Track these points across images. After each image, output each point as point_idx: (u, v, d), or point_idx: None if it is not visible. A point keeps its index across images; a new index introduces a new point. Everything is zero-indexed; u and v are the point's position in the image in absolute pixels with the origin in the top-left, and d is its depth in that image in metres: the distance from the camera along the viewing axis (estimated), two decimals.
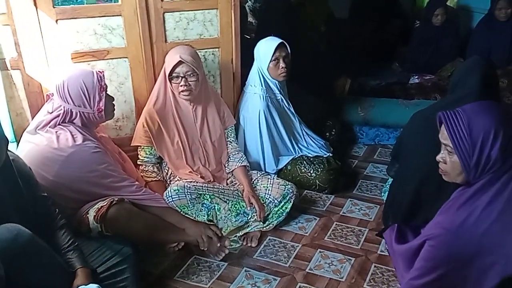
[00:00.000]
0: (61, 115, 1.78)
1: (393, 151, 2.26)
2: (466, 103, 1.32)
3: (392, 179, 2.26)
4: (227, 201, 2.08)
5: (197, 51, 2.26)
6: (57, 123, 1.78)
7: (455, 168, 1.32)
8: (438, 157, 1.38)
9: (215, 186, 2.12)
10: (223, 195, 2.09)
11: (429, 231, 1.42)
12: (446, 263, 1.34)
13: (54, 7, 1.97)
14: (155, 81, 2.21)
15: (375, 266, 1.91)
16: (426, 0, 4.67)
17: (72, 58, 2.08)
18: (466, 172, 1.29)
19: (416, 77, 3.80)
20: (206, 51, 2.37)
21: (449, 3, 4.47)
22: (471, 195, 1.31)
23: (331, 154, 2.58)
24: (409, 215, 1.92)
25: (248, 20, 6.36)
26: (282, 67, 2.39)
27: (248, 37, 5.14)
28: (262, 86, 2.43)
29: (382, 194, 2.45)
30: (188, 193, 1.98)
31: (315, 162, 2.47)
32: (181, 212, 1.96)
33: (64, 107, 1.79)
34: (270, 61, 2.37)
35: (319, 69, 4.23)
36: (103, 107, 1.84)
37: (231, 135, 2.36)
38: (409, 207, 1.93)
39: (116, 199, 1.72)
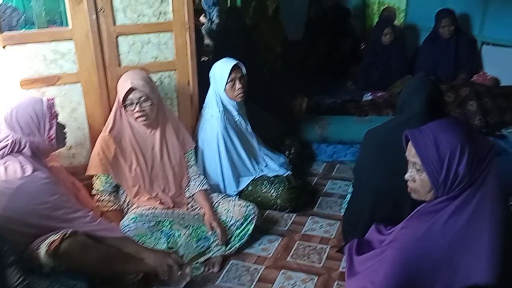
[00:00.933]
0: (9, 146, 1.70)
1: (355, 169, 2.30)
2: (413, 124, 1.37)
3: (349, 196, 2.31)
4: (188, 227, 2.04)
5: (152, 74, 2.25)
6: (5, 154, 1.70)
7: (425, 185, 1.35)
8: (407, 176, 1.40)
9: (175, 212, 2.08)
10: (183, 220, 2.05)
11: (395, 237, 1.44)
12: (408, 270, 1.34)
13: (1, 33, 1.90)
14: (110, 106, 2.16)
15: (337, 284, 1.93)
16: (375, 20, 4.90)
17: (21, 85, 2.00)
18: (435, 189, 1.32)
19: (369, 94, 3.94)
20: (162, 74, 2.35)
21: (397, 22, 4.70)
22: (436, 204, 1.34)
23: (291, 173, 2.61)
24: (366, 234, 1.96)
25: (205, 42, 6.42)
26: (239, 88, 2.41)
27: (206, 58, 5.18)
28: (219, 107, 2.43)
29: (342, 210, 2.49)
30: (146, 221, 1.93)
31: (275, 182, 2.49)
32: (140, 241, 1.90)
33: (12, 136, 1.71)
34: (227, 83, 2.39)
35: (276, 89, 4.32)
36: (54, 136, 1.77)
37: (191, 158, 2.33)
38: (366, 226, 1.96)
39: (69, 232, 1.64)
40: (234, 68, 2.39)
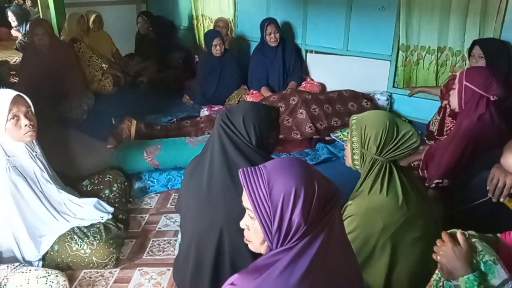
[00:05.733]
0: None
1: (176, 204, 2.01)
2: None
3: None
4: None
5: None
6: None
7: (258, 235, 1.13)
8: (242, 224, 1.18)
9: None
10: None
11: None
12: None
13: None
14: None
15: None
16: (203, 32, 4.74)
17: None
18: (268, 240, 1.09)
19: (206, 109, 3.74)
20: None
21: (229, 32, 4.61)
22: (270, 257, 1.10)
23: (110, 216, 2.19)
24: (193, 280, 1.69)
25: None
26: (26, 125, 1.90)
27: (16, 80, 4.42)
28: (1, 154, 1.88)
29: (176, 251, 2.17)
30: None
31: (89, 234, 2.04)
32: None
33: None
34: (7, 121, 1.86)
35: (104, 110, 3.83)
36: None
37: None
38: (196, 274, 1.69)
39: None
40: (16, 101, 1.88)
